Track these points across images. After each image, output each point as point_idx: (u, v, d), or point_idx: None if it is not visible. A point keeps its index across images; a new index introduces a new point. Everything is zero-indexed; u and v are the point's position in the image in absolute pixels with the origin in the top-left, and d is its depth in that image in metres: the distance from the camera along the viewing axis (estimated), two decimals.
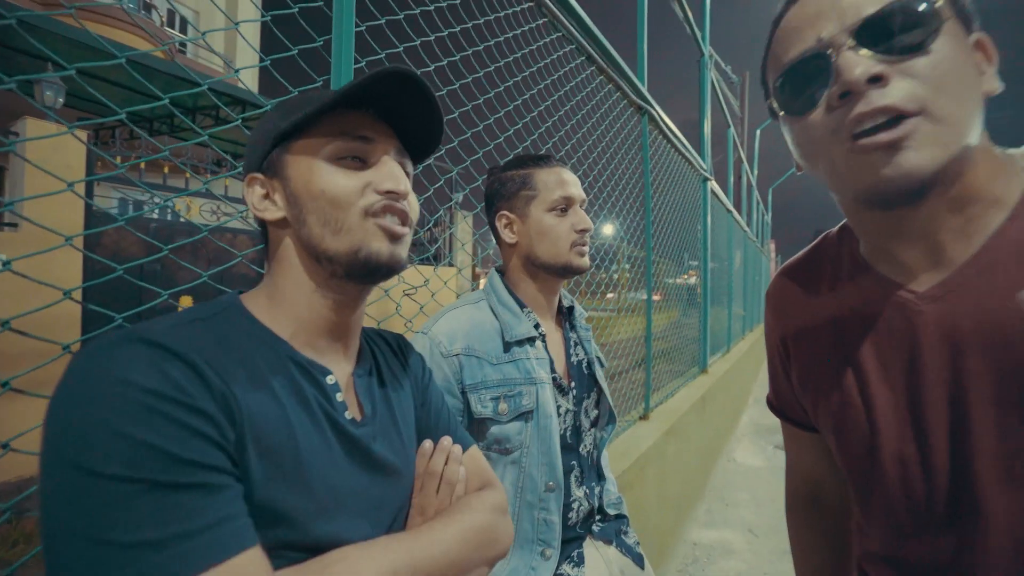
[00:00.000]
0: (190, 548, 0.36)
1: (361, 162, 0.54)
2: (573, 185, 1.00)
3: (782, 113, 0.52)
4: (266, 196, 0.55)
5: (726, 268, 6.18)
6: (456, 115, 1.24)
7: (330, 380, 0.53)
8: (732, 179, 8.25)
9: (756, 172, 12.35)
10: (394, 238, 0.53)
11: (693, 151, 3.78)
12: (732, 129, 7.83)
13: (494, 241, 1.10)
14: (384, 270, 0.53)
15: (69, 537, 0.35)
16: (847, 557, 0.69)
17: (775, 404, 0.74)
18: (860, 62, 0.43)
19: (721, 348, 5.71)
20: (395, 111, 0.56)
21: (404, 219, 0.54)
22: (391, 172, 0.54)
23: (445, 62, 1.18)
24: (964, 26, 0.45)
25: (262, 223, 0.57)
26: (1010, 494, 0.44)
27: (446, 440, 0.63)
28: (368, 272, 0.53)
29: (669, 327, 3.69)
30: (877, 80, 0.42)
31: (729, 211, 6.18)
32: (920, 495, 0.49)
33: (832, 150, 0.46)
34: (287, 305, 0.53)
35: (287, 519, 0.44)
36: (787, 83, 0.49)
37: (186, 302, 4.21)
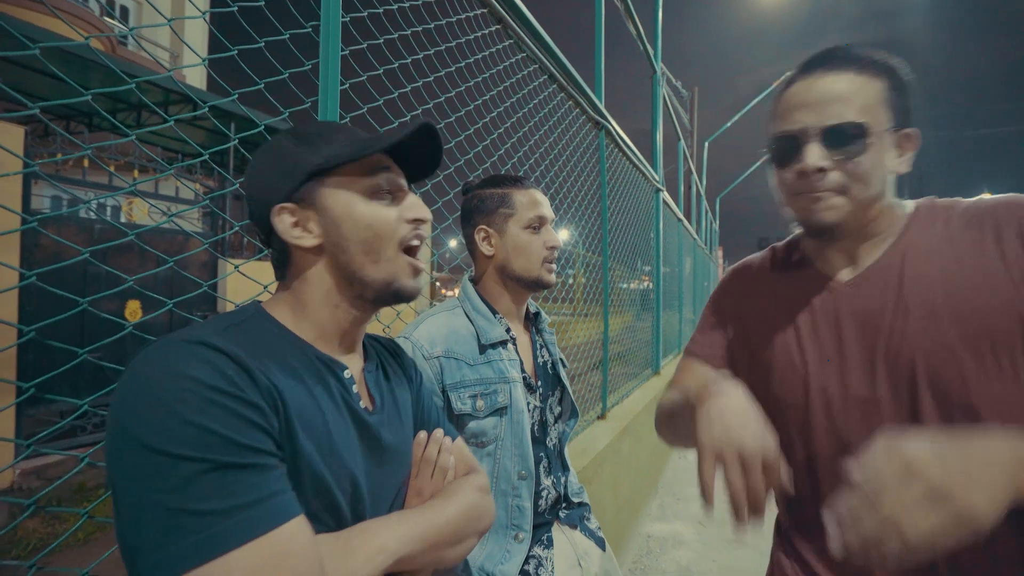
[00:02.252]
0: (251, 516, 0.43)
1: (389, 195, 0.62)
2: (545, 206, 1.10)
3: (771, 161, 0.76)
4: (296, 224, 0.59)
5: (677, 274, 6.48)
6: None
7: (347, 374, 0.61)
8: (682, 189, 8.65)
9: (705, 182, 12.95)
10: (419, 273, 0.64)
11: (646, 163, 3.98)
12: (682, 142, 8.23)
13: (450, 247, 1.20)
14: (406, 299, 0.64)
15: (149, 508, 0.41)
16: None
17: (700, 350, 0.92)
18: (814, 154, 0.67)
19: (673, 350, 5.98)
20: (402, 149, 0.65)
21: (422, 240, 0.65)
22: (415, 202, 0.64)
23: (420, 83, 1.25)
24: (895, 129, 0.68)
25: (284, 252, 0.61)
26: (899, 410, 0.68)
27: (438, 432, 0.72)
28: (394, 300, 0.63)
29: (623, 330, 3.86)
30: (821, 170, 0.68)
31: (680, 220, 6.49)
32: (834, 414, 0.72)
33: (792, 197, 0.73)
34: (310, 316, 0.61)
35: (327, 491, 0.53)
36: (776, 145, 0.73)
37: (134, 306, 4.03)
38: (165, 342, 0.47)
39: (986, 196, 0.69)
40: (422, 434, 0.71)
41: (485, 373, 0.99)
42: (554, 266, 1.10)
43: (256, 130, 0.95)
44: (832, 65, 0.68)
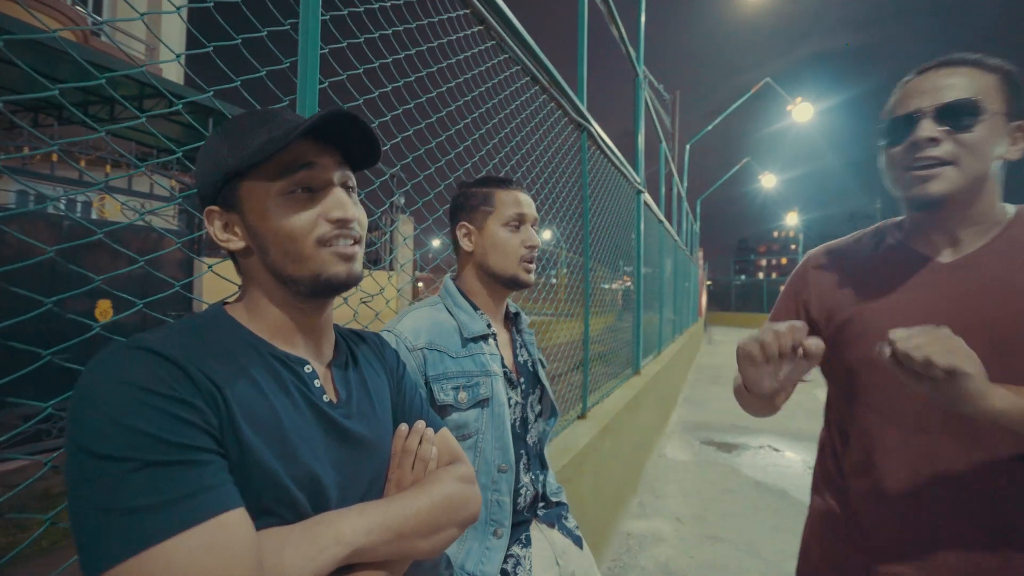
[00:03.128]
0: (182, 509, 0.43)
1: (309, 191, 0.58)
2: (528, 205, 1.12)
3: (882, 144, 0.84)
4: (226, 227, 0.59)
5: (658, 275, 6.55)
6: (411, 132, 1.31)
7: (307, 369, 0.61)
8: (664, 191, 8.74)
9: (686, 185, 13.12)
10: (348, 258, 0.60)
11: (628, 165, 4.02)
12: (664, 144, 8.32)
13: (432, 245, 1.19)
14: (344, 287, 0.61)
15: (84, 507, 0.42)
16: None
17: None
18: (927, 128, 0.76)
19: (653, 351, 6.04)
20: (334, 135, 0.60)
21: (355, 239, 0.61)
22: (338, 200, 0.59)
23: (401, 83, 1.25)
24: (1008, 118, 0.76)
25: (227, 252, 0.62)
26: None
27: (420, 423, 0.71)
28: (330, 290, 0.60)
29: (604, 331, 3.89)
30: (933, 140, 0.75)
31: (661, 221, 6.57)
32: None
33: (902, 172, 0.80)
34: (263, 314, 0.61)
35: (279, 484, 0.52)
36: (890, 126, 0.81)
37: (104, 306, 3.92)
38: (109, 349, 0.49)
39: None
40: (403, 426, 0.70)
41: (467, 366, 1.00)
42: (533, 266, 1.11)
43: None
44: (948, 63, 0.78)
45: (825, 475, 0.96)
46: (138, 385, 0.46)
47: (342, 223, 0.59)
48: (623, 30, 4.35)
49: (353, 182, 0.64)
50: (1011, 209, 0.83)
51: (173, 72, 8.55)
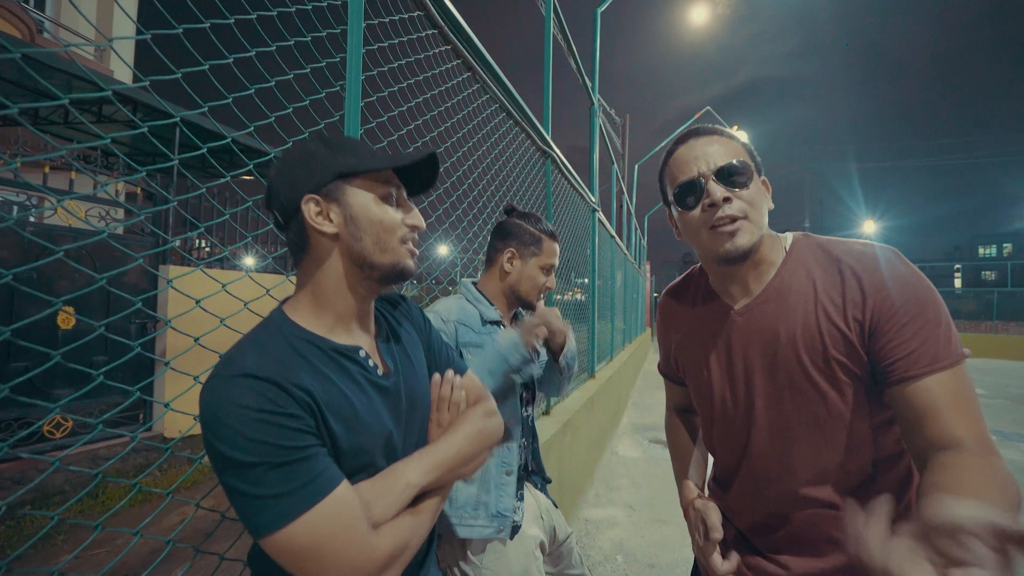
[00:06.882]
0: (307, 492, 0.59)
1: (395, 203, 0.75)
2: (558, 257, 1.43)
3: (678, 209, 0.88)
4: (319, 213, 0.70)
5: (609, 287, 6.98)
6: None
7: (362, 353, 0.74)
8: (615, 208, 9.28)
9: (635, 202, 13.85)
10: (414, 255, 0.77)
11: (584, 186, 4.39)
12: (615, 165, 8.85)
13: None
14: (408, 277, 0.77)
15: (240, 496, 0.58)
16: (694, 438, 1.12)
17: (663, 369, 1.15)
18: (718, 189, 0.81)
19: (606, 357, 6.44)
20: (408, 168, 0.77)
21: (417, 243, 0.79)
22: (416, 213, 0.77)
23: (412, 126, 1.51)
24: (759, 175, 0.86)
25: (302, 237, 0.72)
26: (770, 414, 0.85)
27: (449, 373, 0.86)
28: (399, 278, 0.75)
29: None
30: (727, 199, 0.81)
31: (612, 236, 7.01)
32: (730, 417, 0.90)
33: (701, 232, 0.84)
34: (328, 303, 0.72)
35: (364, 454, 0.69)
36: (680, 193, 0.85)
37: (66, 312, 3.85)
38: (218, 378, 0.61)
39: (854, 242, 0.83)
40: (436, 376, 0.85)
41: (486, 340, 1.28)
42: (544, 298, 1.43)
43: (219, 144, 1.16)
44: (701, 134, 0.87)
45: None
46: (254, 407, 0.58)
47: (415, 229, 0.77)
48: (579, 62, 4.75)
49: None
50: (788, 240, 0.88)
51: (125, 73, 8.29)
